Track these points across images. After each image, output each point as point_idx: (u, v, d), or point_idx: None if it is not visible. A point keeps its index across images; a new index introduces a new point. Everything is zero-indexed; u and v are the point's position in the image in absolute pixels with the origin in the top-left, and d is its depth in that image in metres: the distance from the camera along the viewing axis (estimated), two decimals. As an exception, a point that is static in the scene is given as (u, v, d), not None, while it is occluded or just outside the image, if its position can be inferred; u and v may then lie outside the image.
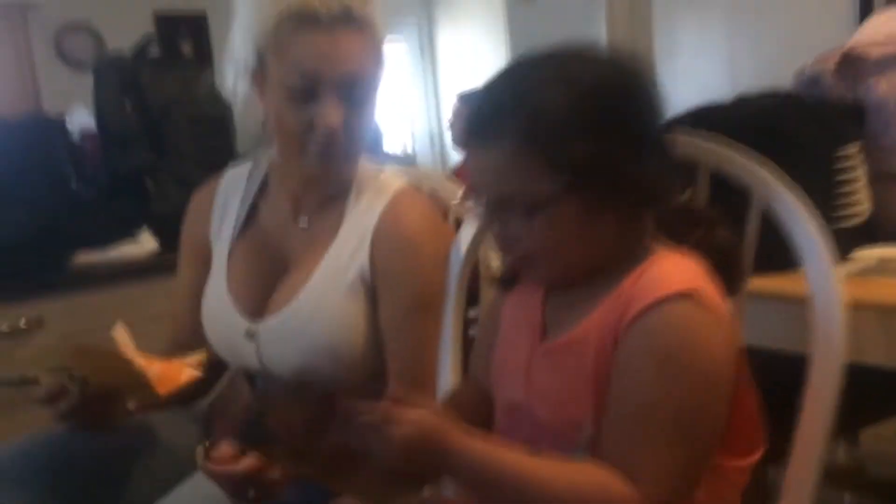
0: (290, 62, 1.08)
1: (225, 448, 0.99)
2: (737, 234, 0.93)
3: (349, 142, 1.13)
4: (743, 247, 0.85)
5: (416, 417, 0.71)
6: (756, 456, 0.81)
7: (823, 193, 1.31)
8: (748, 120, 1.31)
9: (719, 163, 0.96)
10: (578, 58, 0.81)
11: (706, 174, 0.97)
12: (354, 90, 1.10)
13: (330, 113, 1.08)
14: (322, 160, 1.12)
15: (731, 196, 0.95)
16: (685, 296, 0.74)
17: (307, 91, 1.08)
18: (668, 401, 0.72)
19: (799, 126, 1.30)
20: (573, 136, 0.75)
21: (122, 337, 1.05)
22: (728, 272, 0.81)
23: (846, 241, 1.31)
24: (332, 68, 1.07)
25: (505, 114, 0.77)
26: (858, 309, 1.14)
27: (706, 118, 1.37)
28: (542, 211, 0.76)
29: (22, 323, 1.89)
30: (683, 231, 0.83)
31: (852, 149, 1.34)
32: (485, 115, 0.79)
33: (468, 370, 1.04)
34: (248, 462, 0.96)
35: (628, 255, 0.79)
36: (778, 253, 0.92)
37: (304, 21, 1.07)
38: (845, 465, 2.22)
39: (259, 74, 1.13)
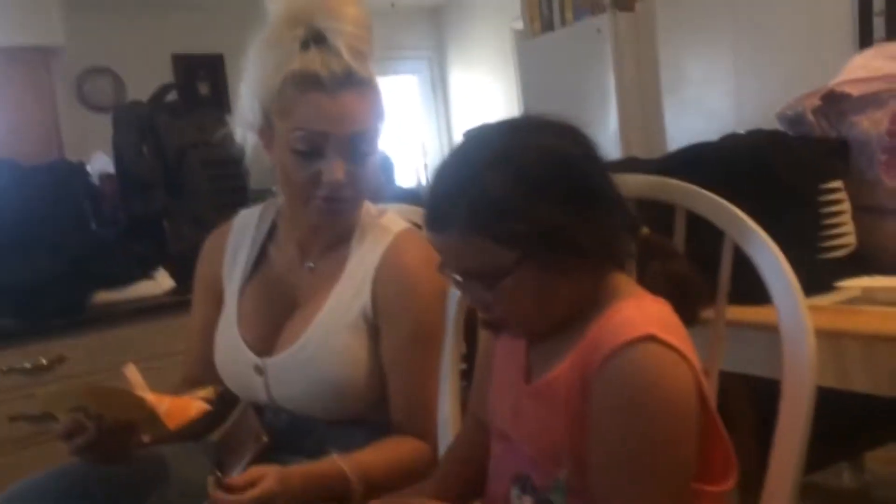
0: (295, 123, 1.13)
1: (235, 479, 1.04)
2: (711, 268, 0.98)
3: (353, 192, 1.19)
4: (698, 277, 0.88)
5: None
6: (730, 482, 0.85)
7: (810, 226, 1.36)
8: (736, 158, 1.36)
9: (692, 204, 1.00)
10: (519, 133, 0.84)
11: (682, 214, 1.02)
12: (359, 146, 1.15)
13: (335, 169, 1.14)
14: (327, 211, 1.18)
15: (708, 234, 1.00)
16: (647, 338, 0.77)
17: (312, 150, 1.13)
18: (644, 444, 0.76)
19: (785, 163, 1.35)
20: (515, 214, 0.78)
21: (133, 375, 1.11)
22: (685, 301, 0.86)
23: (832, 271, 1.36)
24: (337, 130, 1.13)
25: (450, 202, 0.81)
26: (842, 337, 1.19)
27: (696, 156, 1.43)
28: (500, 281, 0.81)
29: (43, 361, 1.95)
30: (641, 262, 0.88)
31: (836, 184, 1.38)
32: (433, 204, 0.84)
33: (468, 404, 1.09)
34: (257, 492, 1.01)
35: (594, 301, 0.84)
36: (760, 286, 0.96)
37: (307, 84, 1.12)
38: (850, 489, 2.23)
39: (266, 131, 1.19)
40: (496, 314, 0.85)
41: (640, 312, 0.80)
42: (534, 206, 0.79)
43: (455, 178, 0.83)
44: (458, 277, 0.85)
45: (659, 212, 1.04)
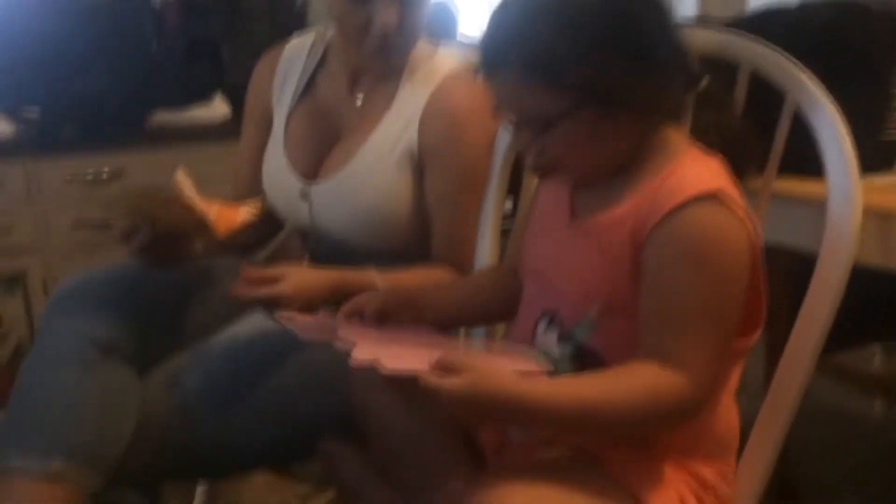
0: None
1: (257, 271, 1.09)
2: (769, 136, 0.96)
3: (405, 36, 1.18)
4: (753, 135, 0.87)
5: (466, 374, 0.75)
6: (756, 335, 0.88)
7: (878, 103, 1.31)
8: (810, 26, 1.30)
9: (756, 61, 0.97)
10: None
11: (746, 73, 0.99)
12: None
13: (387, 13, 1.13)
14: (379, 55, 1.18)
15: (772, 100, 0.97)
16: (710, 196, 0.79)
17: None
18: (699, 296, 0.79)
19: (861, 34, 1.29)
20: (570, 60, 0.78)
21: (184, 180, 1.15)
22: (734, 158, 0.85)
23: (893, 150, 1.32)
24: None
25: (507, 45, 0.82)
26: (892, 217, 1.17)
27: (769, 22, 1.37)
28: (552, 126, 0.82)
29: (104, 173, 2.03)
30: (696, 112, 0.87)
31: (917, 59, 1.32)
32: (490, 46, 0.84)
33: (504, 256, 1.11)
34: (266, 291, 1.06)
35: (652, 155, 0.85)
36: (815, 159, 0.93)
37: None
38: (879, 373, 2.25)
39: None
40: (546, 158, 0.86)
41: (703, 170, 0.82)
42: (589, 54, 0.78)
43: (513, 21, 0.82)
44: (511, 122, 0.86)
45: (723, 71, 1.01)
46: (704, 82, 0.87)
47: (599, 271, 0.85)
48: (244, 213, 1.14)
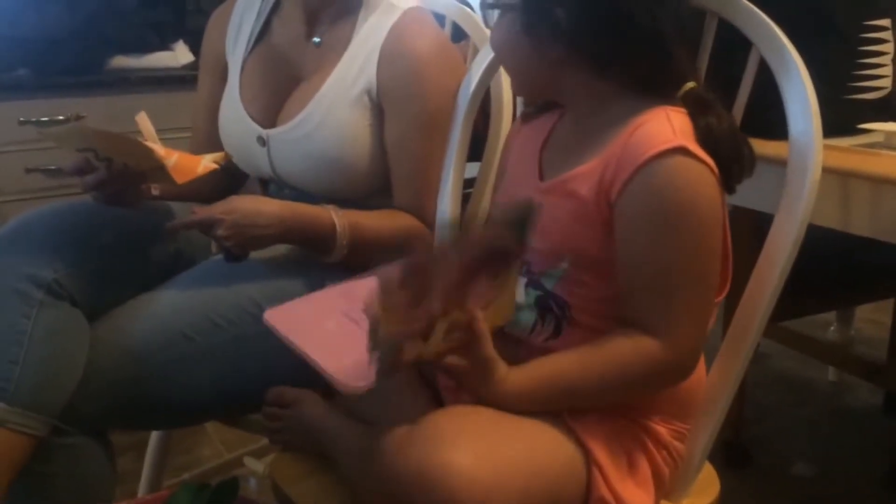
0: None
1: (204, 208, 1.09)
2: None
3: None
4: (745, 138, 0.84)
5: None
6: (724, 292, 0.88)
7: (844, 63, 1.31)
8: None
9: (723, 10, 0.94)
10: None
11: (713, 21, 0.97)
12: None
13: None
14: None
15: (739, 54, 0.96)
16: (679, 150, 0.78)
17: None
18: (679, 255, 0.78)
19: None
20: (570, 4, 0.81)
21: (145, 123, 1.11)
22: (729, 159, 0.82)
23: (861, 113, 1.32)
24: None
25: None
26: (851, 178, 1.17)
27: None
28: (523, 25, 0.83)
29: (60, 116, 1.97)
30: (693, 116, 0.84)
31: (883, 21, 1.32)
32: None
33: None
34: (199, 216, 1.07)
35: (619, 116, 0.84)
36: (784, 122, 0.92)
37: None
38: (833, 342, 2.30)
39: None
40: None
41: (670, 124, 0.81)
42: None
43: None
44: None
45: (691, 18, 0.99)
46: (695, 87, 0.86)
47: (569, 228, 0.84)
48: (204, 165, 1.10)
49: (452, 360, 0.80)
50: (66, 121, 1.88)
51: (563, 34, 0.82)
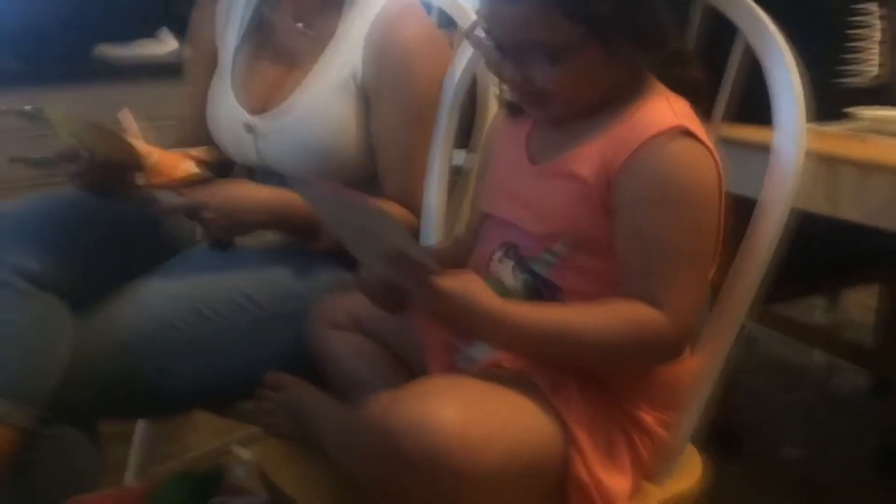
0: None
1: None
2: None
3: None
4: (713, 89, 0.87)
5: (462, 278, 0.79)
6: (714, 268, 0.88)
7: (831, 49, 1.31)
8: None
9: None
10: None
11: (699, 7, 0.97)
12: None
13: None
14: None
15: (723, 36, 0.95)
16: (680, 130, 0.80)
17: None
18: (679, 232, 0.79)
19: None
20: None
21: (128, 121, 1.10)
22: (701, 104, 0.85)
23: (847, 98, 1.32)
24: None
25: None
26: (838, 163, 1.18)
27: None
28: (561, 57, 0.80)
29: (27, 108, 1.95)
30: (661, 67, 0.86)
31: (872, 6, 1.32)
32: None
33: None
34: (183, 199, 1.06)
35: (619, 95, 0.84)
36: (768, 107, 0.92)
37: None
38: (819, 325, 2.30)
39: None
40: (541, 91, 0.84)
41: (671, 107, 0.82)
42: None
43: None
44: (509, 48, 0.83)
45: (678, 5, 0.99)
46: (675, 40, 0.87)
47: (566, 209, 0.84)
48: (184, 169, 1.08)
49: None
50: (34, 112, 1.85)
51: (624, 30, 0.80)
